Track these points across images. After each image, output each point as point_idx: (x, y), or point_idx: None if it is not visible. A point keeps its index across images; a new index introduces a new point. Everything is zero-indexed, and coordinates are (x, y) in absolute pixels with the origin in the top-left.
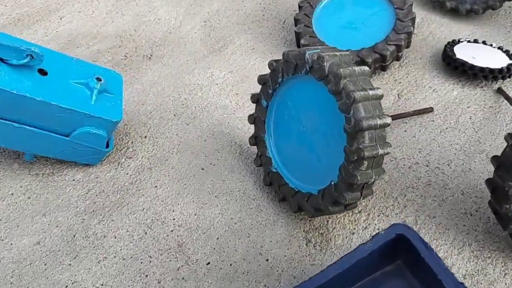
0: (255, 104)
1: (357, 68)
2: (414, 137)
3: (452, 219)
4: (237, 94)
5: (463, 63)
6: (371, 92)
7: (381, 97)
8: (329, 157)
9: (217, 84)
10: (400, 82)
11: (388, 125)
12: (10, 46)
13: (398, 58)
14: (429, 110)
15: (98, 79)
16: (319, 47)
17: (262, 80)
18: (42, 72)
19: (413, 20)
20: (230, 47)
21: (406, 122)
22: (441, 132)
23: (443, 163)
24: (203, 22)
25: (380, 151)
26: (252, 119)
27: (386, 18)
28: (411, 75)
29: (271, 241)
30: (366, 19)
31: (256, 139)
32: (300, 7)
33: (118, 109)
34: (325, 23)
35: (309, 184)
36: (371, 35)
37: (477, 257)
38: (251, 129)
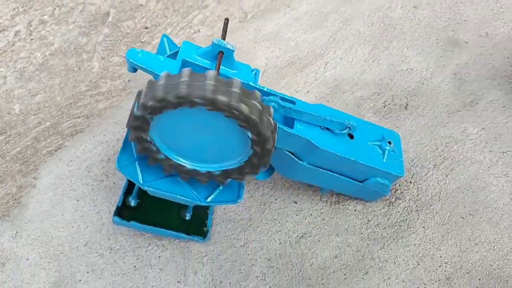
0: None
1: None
2: None
3: None
4: (490, 151)
5: None
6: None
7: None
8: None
9: (471, 140)
10: None
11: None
12: (335, 121)
13: None
14: None
15: (389, 142)
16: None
17: None
18: (350, 136)
19: None
20: (481, 103)
21: None
22: None
23: None
24: (453, 75)
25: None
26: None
27: None
28: None
29: None
30: None
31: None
32: None
33: (401, 166)
34: None
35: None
36: None
37: None
38: (506, 187)
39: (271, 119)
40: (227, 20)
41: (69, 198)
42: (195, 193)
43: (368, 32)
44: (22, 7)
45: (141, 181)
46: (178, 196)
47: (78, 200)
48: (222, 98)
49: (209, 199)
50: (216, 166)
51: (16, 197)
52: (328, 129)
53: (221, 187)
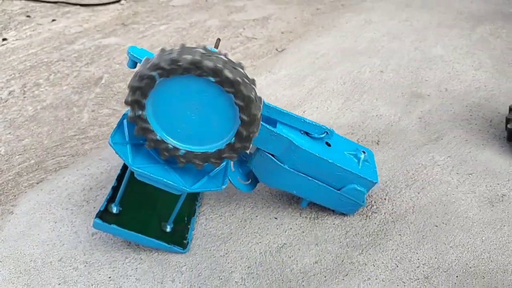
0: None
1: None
2: None
3: None
4: (457, 173)
5: None
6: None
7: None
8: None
9: (439, 165)
10: None
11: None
12: (314, 124)
13: None
14: None
15: (363, 152)
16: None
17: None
18: (328, 144)
19: None
20: (446, 138)
21: None
22: None
23: None
24: (418, 119)
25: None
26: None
27: None
28: None
29: None
30: None
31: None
32: (510, 109)
33: (375, 174)
34: None
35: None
36: None
37: None
38: (474, 201)
39: (255, 87)
40: (219, 39)
41: (47, 220)
42: (182, 180)
43: (341, 88)
44: (19, 74)
45: (130, 162)
46: (165, 180)
47: (56, 222)
48: (208, 61)
49: (195, 186)
50: (209, 147)
51: None
52: (307, 134)
53: (206, 177)
